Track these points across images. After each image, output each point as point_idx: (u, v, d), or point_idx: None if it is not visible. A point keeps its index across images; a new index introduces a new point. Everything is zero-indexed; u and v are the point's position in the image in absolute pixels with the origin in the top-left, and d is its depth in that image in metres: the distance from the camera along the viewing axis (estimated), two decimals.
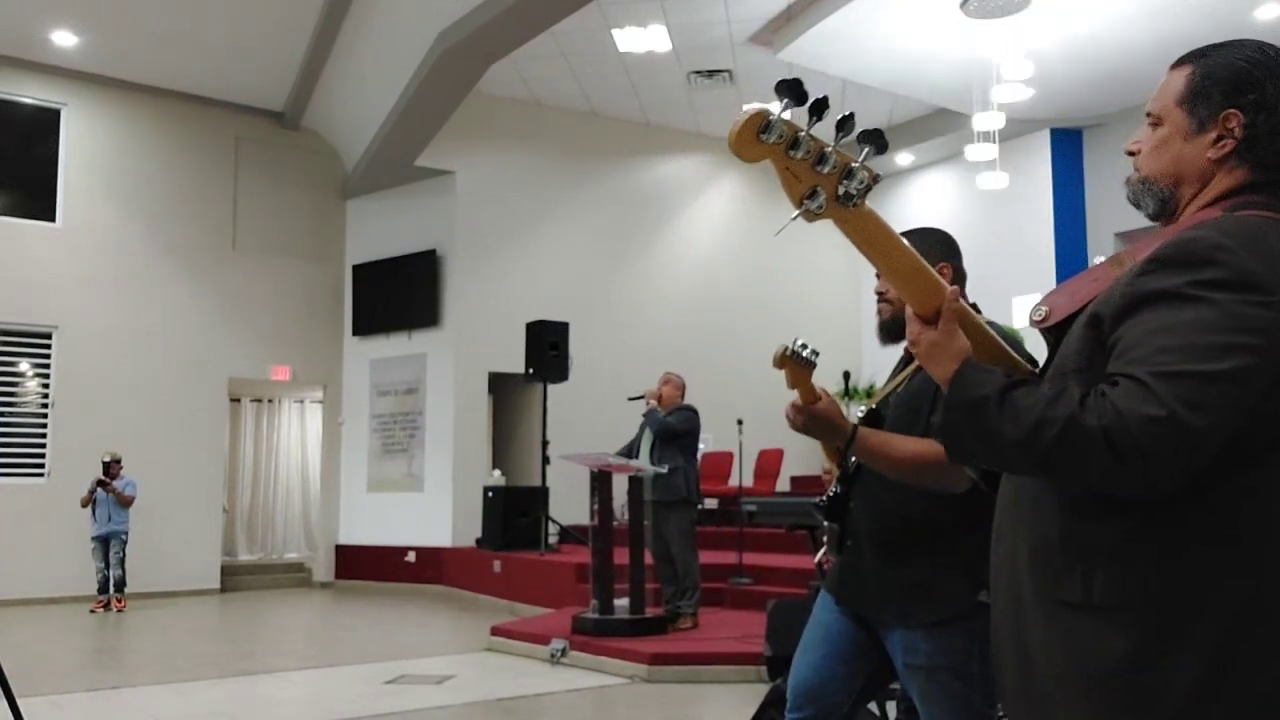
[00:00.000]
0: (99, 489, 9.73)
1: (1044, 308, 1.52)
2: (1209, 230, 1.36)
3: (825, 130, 1.39)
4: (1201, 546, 1.32)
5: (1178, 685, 1.30)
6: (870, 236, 1.48)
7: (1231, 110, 1.46)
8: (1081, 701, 1.37)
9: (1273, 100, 1.46)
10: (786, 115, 1.35)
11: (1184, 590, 1.31)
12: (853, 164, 1.38)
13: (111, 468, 9.79)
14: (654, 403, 7.20)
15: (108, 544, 9.88)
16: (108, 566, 9.89)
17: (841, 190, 1.39)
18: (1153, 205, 1.55)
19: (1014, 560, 1.49)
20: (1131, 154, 1.59)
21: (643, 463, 6.95)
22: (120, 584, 9.89)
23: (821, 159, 1.36)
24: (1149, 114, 1.57)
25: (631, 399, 7.55)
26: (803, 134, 1.35)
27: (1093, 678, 1.36)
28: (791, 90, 1.36)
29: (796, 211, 1.40)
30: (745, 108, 1.36)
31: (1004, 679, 1.54)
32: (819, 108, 1.38)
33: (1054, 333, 1.50)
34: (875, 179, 1.39)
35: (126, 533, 9.93)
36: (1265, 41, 1.52)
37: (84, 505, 9.77)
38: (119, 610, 9.74)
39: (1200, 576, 1.31)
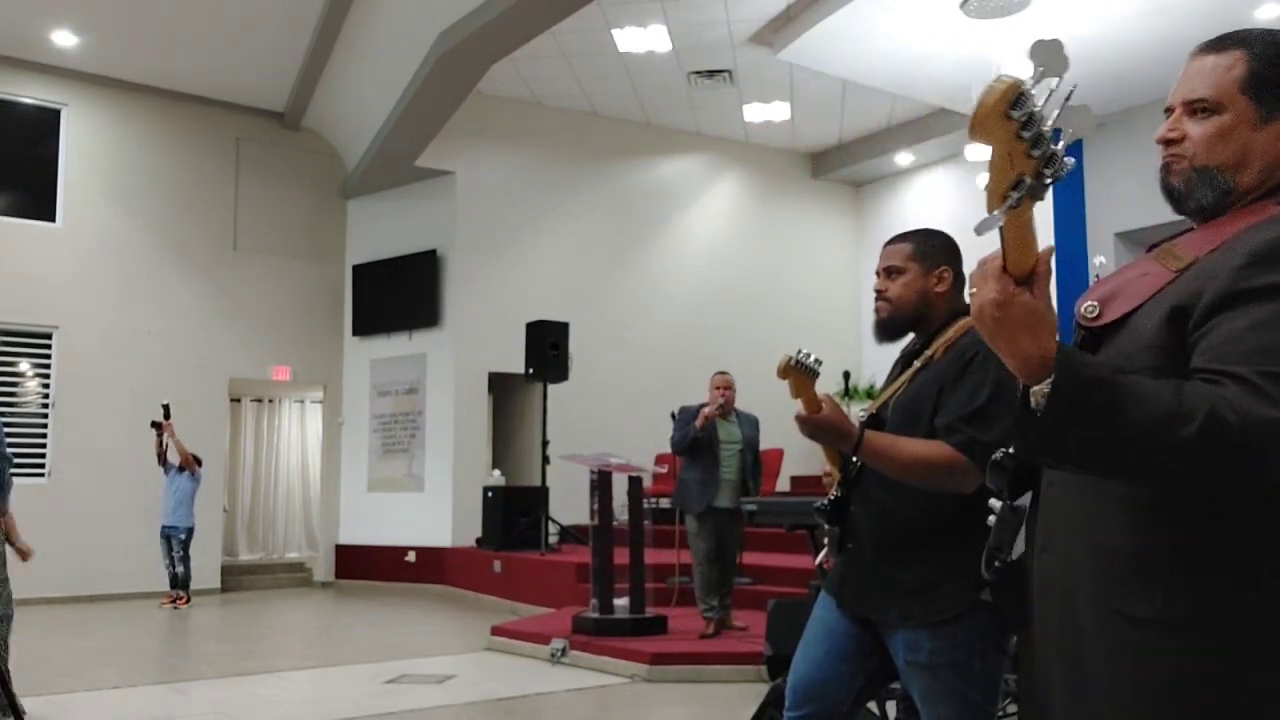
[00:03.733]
0: (157, 433, 9.99)
1: (1094, 304, 1.43)
2: None
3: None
4: None
5: (1253, 706, 1.25)
6: (1025, 231, 1.24)
7: None
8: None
9: None
10: (1036, 90, 1.14)
11: (1264, 606, 1.25)
12: (1055, 149, 1.15)
13: (166, 415, 9.98)
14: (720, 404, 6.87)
15: (170, 540, 10.10)
16: (173, 563, 10.10)
17: (1036, 182, 1.16)
18: (1210, 196, 1.43)
19: (1066, 572, 1.40)
20: (1171, 140, 1.47)
21: (736, 471, 6.84)
22: (184, 581, 10.08)
23: (1038, 140, 1.14)
24: (1195, 100, 1.45)
25: (712, 411, 6.80)
26: (1037, 111, 1.13)
27: (1161, 696, 1.28)
28: (1050, 55, 1.16)
29: (1003, 206, 1.18)
30: (997, 78, 1.14)
31: (1050, 696, 1.44)
32: (1059, 72, 1.17)
33: (1097, 332, 1.42)
34: (1069, 168, 1.17)
35: (186, 529, 10.11)
36: None
37: (159, 457, 10.13)
38: (184, 605, 9.93)
39: None
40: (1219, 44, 1.47)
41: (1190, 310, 1.30)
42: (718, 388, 6.92)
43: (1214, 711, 1.26)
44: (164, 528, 10.14)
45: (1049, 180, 1.16)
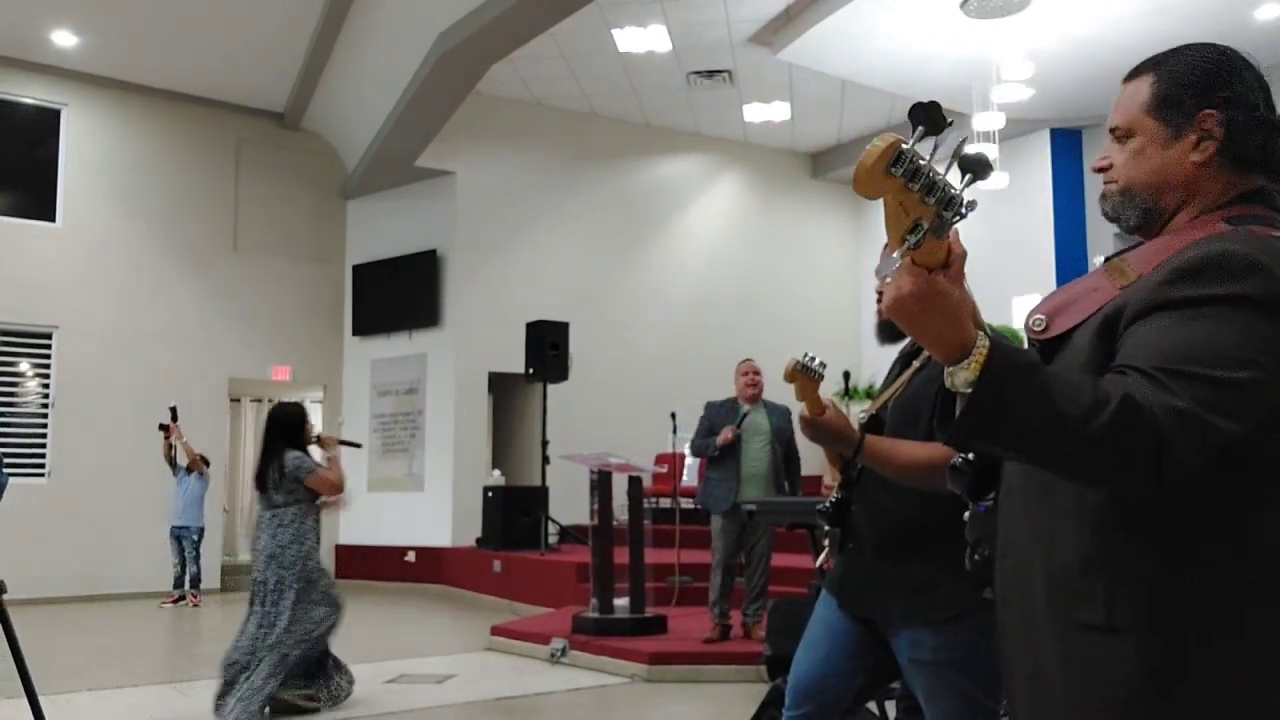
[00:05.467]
0: (165, 435, 10.07)
1: (1041, 317, 1.46)
2: (1239, 245, 1.33)
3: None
4: (1227, 568, 1.29)
5: (1200, 708, 1.28)
6: (936, 259, 1.29)
7: (1207, 110, 1.45)
8: None
9: (1242, 94, 1.45)
10: (918, 146, 1.21)
11: (1208, 611, 1.28)
12: (953, 191, 1.22)
13: (174, 417, 10.03)
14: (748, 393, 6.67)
15: (182, 540, 10.16)
16: (183, 562, 10.14)
17: (938, 222, 1.23)
18: (1135, 217, 1.51)
19: (1024, 579, 1.44)
20: (1102, 169, 1.55)
21: (763, 465, 6.53)
22: (195, 581, 10.12)
23: (930, 188, 1.21)
24: (1114, 129, 1.53)
25: (729, 437, 6.55)
26: (923, 163, 1.21)
27: (1112, 702, 1.32)
28: (928, 116, 1.24)
29: (899, 251, 1.24)
30: (875, 141, 1.21)
31: (1016, 703, 1.49)
32: (937, 130, 1.25)
33: (1049, 344, 1.45)
34: (972, 207, 1.23)
35: (198, 529, 10.18)
36: (1215, 43, 1.51)
37: (167, 459, 10.18)
38: (194, 606, 9.98)
39: (1225, 598, 1.28)
40: (1135, 70, 1.54)
41: (1118, 322, 1.36)
42: (745, 374, 6.67)
43: (1164, 713, 1.29)
44: (175, 528, 10.18)
45: (950, 220, 1.22)
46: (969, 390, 1.25)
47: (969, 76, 9.73)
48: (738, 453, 6.54)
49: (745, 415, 6.55)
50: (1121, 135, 1.53)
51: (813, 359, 2.34)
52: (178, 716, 5.55)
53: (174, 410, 10.04)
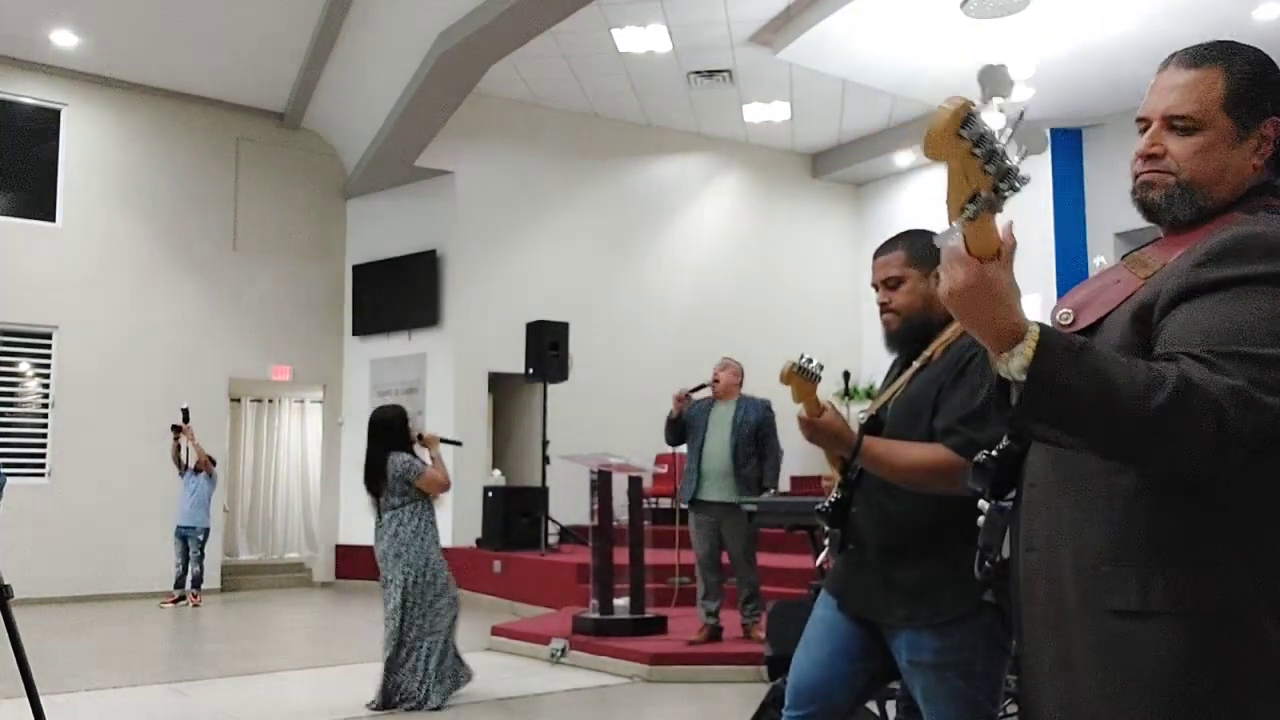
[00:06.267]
0: (178, 438, 10.17)
1: (1069, 310, 1.47)
2: (1265, 226, 1.37)
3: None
4: (1264, 546, 1.30)
5: (1236, 692, 1.28)
6: (986, 240, 1.29)
7: (1274, 116, 1.46)
8: (1136, 713, 1.33)
9: None
10: (986, 110, 1.22)
11: (1249, 595, 1.29)
12: (1009, 163, 1.23)
13: (185, 419, 10.12)
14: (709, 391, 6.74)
15: (187, 540, 10.20)
16: (186, 562, 10.18)
17: (994, 194, 1.23)
18: (1189, 212, 1.48)
19: (1052, 571, 1.44)
20: (1153, 155, 1.50)
21: (720, 460, 6.47)
22: (197, 581, 10.19)
23: (991, 156, 1.22)
24: (1178, 117, 1.48)
25: (694, 390, 6.81)
26: (989, 130, 1.21)
27: (1151, 687, 1.32)
28: (994, 78, 1.25)
29: (958, 221, 1.26)
30: (947, 100, 1.21)
31: (1041, 695, 1.47)
32: (1004, 93, 1.25)
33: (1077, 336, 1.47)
34: (1025, 181, 1.24)
35: (204, 529, 10.26)
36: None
37: (175, 460, 10.29)
38: (195, 606, 10.01)
39: (1263, 576, 1.29)
40: (1197, 59, 1.49)
41: (1153, 308, 1.37)
42: (714, 371, 6.80)
43: (1198, 699, 1.30)
44: (181, 528, 10.22)
45: (1005, 194, 1.23)
46: (1023, 376, 1.26)
47: (969, 76, 9.71)
48: (699, 447, 6.58)
49: (698, 404, 6.70)
50: (1188, 127, 1.48)
51: (809, 360, 2.33)
52: (178, 716, 5.55)
53: (186, 412, 10.13)
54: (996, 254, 1.29)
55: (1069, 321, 1.46)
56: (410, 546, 5.48)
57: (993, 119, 1.23)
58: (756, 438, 6.51)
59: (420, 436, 5.84)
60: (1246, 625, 1.29)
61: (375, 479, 5.61)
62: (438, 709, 5.47)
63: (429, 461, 5.77)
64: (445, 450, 5.91)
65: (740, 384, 6.80)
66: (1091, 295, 1.48)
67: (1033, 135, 1.24)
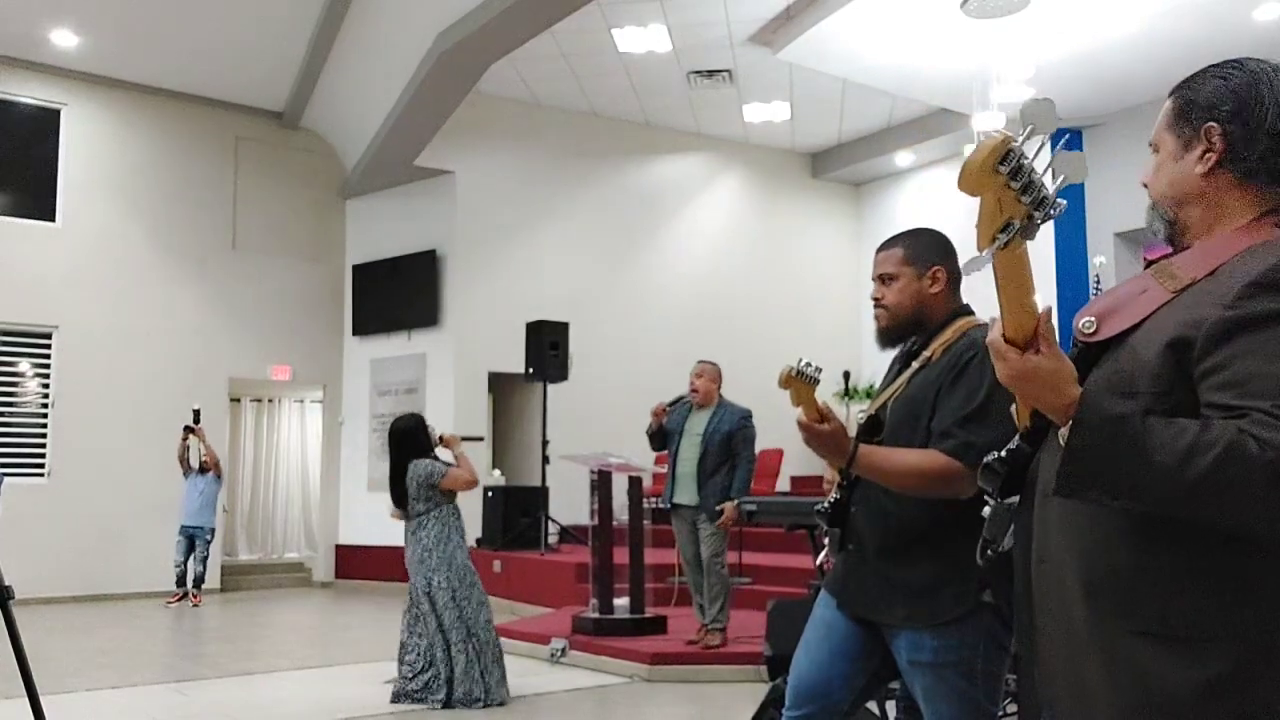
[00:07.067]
0: (188, 438, 10.21)
1: (1092, 319, 1.48)
2: None
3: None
4: None
5: (1258, 714, 1.28)
6: (1019, 267, 1.32)
7: (1210, 124, 1.49)
8: None
9: (1251, 108, 1.47)
10: (1025, 146, 1.21)
11: (1264, 619, 1.28)
12: (1045, 192, 1.23)
13: (197, 419, 10.20)
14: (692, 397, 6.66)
15: (192, 540, 10.23)
16: (186, 561, 10.21)
17: (1028, 222, 1.23)
18: (1162, 228, 1.56)
19: (1063, 586, 1.43)
20: (1145, 185, 1.61)
21: (691, 464, 6.43)
22: (199, 580, 10.23)
23: (1028, 187, 1.21)
24: (1151, 144, 1.60)
25: (672, 405, 6.75)
26: (1027, 161, 1.21)
27: (1164, 709, 1.31)
28: (1040, 113, 1.25)
29: (988, 251, 1.25)
30: (984, 135, 1.20)
31: (1058, 712, 1.47)
32: (1048, 130, 1.24)
33: (1094, 346, 1.47)
34: (1060, 210, 1.24)
35: (210, 529, 10.33)
36: (1246, 57, 1.53)
37: (181, 459, 10.31)
38: (195, 605, 10.04)
39: None
40: (1173, 89, 1.59)
41: (1192, 342, 1.35)
42: (692, 376, 6.70)
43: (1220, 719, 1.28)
44: (186, 528, 10.25)
45: (1040, 221, 1.24)
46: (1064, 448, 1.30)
47: (969, 76, 9.73)
48: (674, 452, 6.63)
49: (678, 409, 6.71)
50: (1153, 151, 1.59)
51: (808, 364, 2.32)
52: (178, 717, 5.55)
53: (197, 413, 10.22)
54: (1034, 334, 1.33)
55: (1091, 330, 1.47)
56: (434, 552, 5.58)
57: (1031, 148, 1.23)
58: (729, 446, 6.42)
59: (442, 438, 5.83)
60: (1270, 653, 1.27)
61: (398, 488, 5.63)
62: (503, 704, 5.52)
63: (453, 462, 5.72)
64: (442, 449, 5.91)
65: (719, 385, 6.70)
66: (1116, 304, 1.47)
67: (1073, 163, 1.25)
